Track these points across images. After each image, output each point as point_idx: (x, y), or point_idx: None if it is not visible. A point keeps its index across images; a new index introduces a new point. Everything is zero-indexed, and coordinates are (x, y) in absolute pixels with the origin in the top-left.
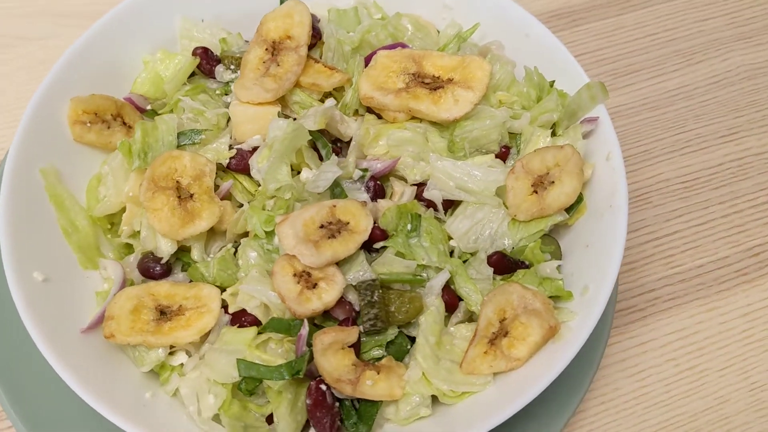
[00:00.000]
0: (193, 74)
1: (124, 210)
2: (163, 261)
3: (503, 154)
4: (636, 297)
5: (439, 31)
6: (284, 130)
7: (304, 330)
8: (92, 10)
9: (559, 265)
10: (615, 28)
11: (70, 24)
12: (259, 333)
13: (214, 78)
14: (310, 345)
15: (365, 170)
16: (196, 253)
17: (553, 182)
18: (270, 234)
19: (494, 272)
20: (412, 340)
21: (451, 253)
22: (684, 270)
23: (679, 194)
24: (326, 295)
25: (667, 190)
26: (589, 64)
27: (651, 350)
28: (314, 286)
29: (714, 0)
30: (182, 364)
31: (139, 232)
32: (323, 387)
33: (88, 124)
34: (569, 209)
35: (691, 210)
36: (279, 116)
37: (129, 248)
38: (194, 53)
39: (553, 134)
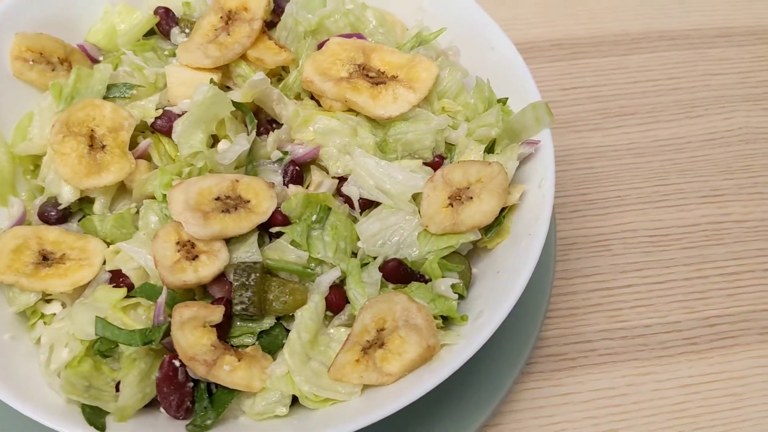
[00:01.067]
0: (153, 33)
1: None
2: (61, 207)
3: (436, 164)
4: (570, 345)
5: (408, 30)
6: (203, 95)
7: (162, 297)
8: None
9: (457, 285)
10: (617, 67)
11: None
12: (129, 296)
13: (169, 40)
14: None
15: (286, 153)
16: (98, 207)
17: (471, 198)
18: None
19: (388, 280)
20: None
21: (356, 254)
22: (628, 327)
23: (644, 248)
24: (203, 269)
25: (631, 241)
26: (581, 98)
27: (572, 403)
28: (195, 258)
29: (729, 56)
30: (54, 314)
31: None
32: (176, 363)
33: (31, 62)
34: (487, 230)
35: (652, 266)
36: (213, 83)
37: (43, 192)
38: (155, 12)
39: (491, 151)
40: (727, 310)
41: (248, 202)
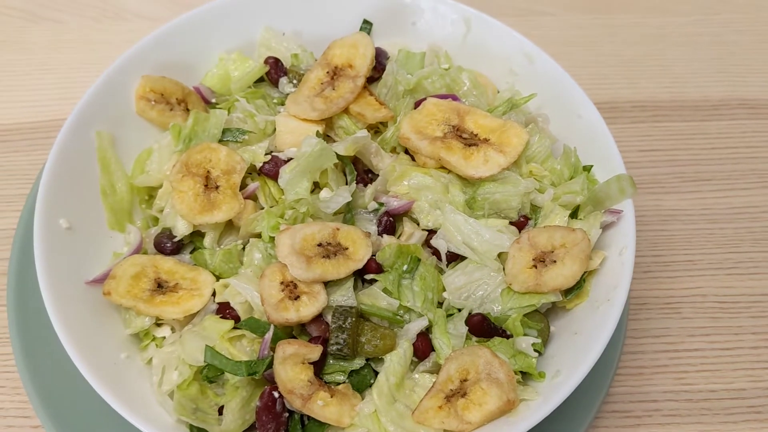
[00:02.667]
0: (262, 80)
1: (162, 186)
2: (176, 239)
3: (521, 224)
4: (635, 403)
5: (498, 93)
6: (312, 147)
7: (269, 334)
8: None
9: (537, 343)
10: (696, 132)
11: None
12: (236, 328)
13: (277, 88)
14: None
15: (381, 204)
16: (207, 241)
17: (555, 261)
18: (273, 240)
19: (472, 333)
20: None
21: (441, 305)
22: (693, 390)
23: (712, 313)
24: (304, 309)
25: (700, 306)
26: (659, 161)
27: None
28: (297, 298)
29: None
30: (164, 337)
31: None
32: (275, 394)
33: (153, 102)
34: (567, 292)
35: (720, 332)
36: (317, 135)
37: (157, 222)
38: (266, 61)
39: (574, 216)
40: None
41: (346, 249)
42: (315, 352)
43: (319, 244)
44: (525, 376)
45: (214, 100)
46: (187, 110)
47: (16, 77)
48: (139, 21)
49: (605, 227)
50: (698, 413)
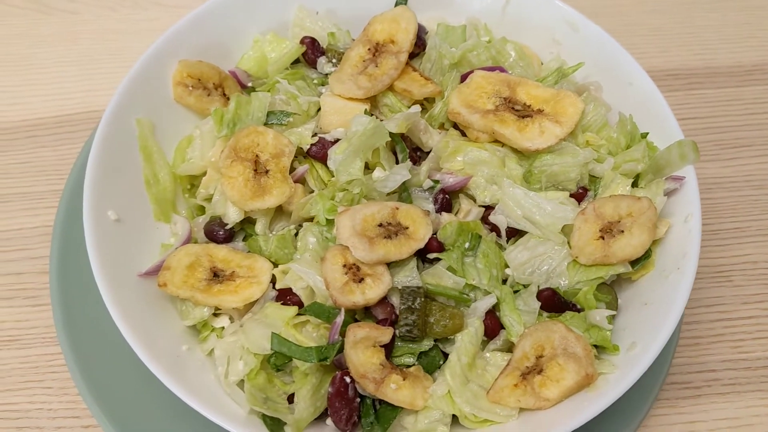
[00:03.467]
0: (297, 61)
1: (205, 173)
2: (228, 227)
3: (579, 195)
4: (694, 374)
5: (542, 64)
6: (364, 126)
7: (340, 318)
8: None
9: (611, 316)
10: (732, 98)
11: None
12: (299, 314)
13: (316, 68)
14: (344, 335)
15: (437, 182)
16: (259, 227)
17: (622, 231)
18: (331, 222)
19: (542, 308)
20: (446, 356)
21: (505, 281)
22: (751, 358)
23: (764, 279)
24: (370, 291)
25: (752, 273)
26: (697, 129)
27: None
28: (360, 280)
29: None
30: (223, 327)
31: (213, 196)
32: (347, 379)
33: (190, 88)
34: (634, 263)
35: None
36: (365, 113)
37: (202, 210)
38: (302, 42)
39: (635, 185)
40: None
41: (407, 228)
42: (386, 334)
43: (380, 225)
44: (598, 349)
45: (250, 84)
46: (224, 95)
47: (35, 71)
48: (158, 9)
49: (668, 194)
50: (758, 381)
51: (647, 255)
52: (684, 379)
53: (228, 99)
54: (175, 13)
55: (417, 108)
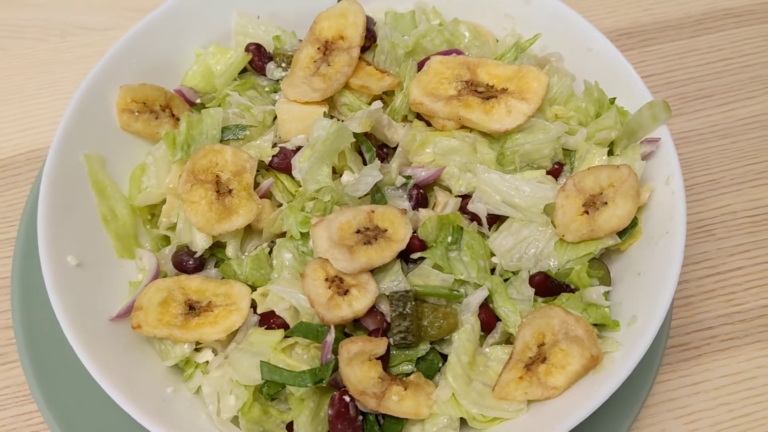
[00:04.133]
0: (245, 71)
1: (165, 201)
2: (197, 255)
3: (555, 171)
4: (691, 334)
5: (498, 41)
6: (327, 130)
7: (330, 337)
8: (158, 3)
9: (607, 292)
10: (687, 50)
11: (137, 17)
12: (286, 336)
13: (265, 75)
14: (336, 353)
15: (409, 177)
16: (230, 250)
17: (605, 203)
18: (305, 235)
19: (536, 294)
20: (444, 357)
21: (493, 271)
22: (745, 309)
23: (746, 228)
24: (357, 302)
25: (732, 224)
26: (658, 86)
27: (703, 392)
28: (345, 292)
29: None
30: (207, 362)
31: (176, 224)
32: (347, 398)
33: (136, 113)
34: (622, 233)
35: (759, 246)
36: (324, 116)
37: (166, 240)
38: (247, 49)
39: (610, 153)
40: None
41: (386, 231)
42: (381, 345)
43: (357, 231)
44: (599, 328)
45: (198, 101)
46: (173, 116)
47: None
48: (89, 34)
49: (645, 158)
50: (755, 332)
51: (634, 223)
52: (682, 341)
53: (178, 120)
54: (107, 36)
55: (378, 104)
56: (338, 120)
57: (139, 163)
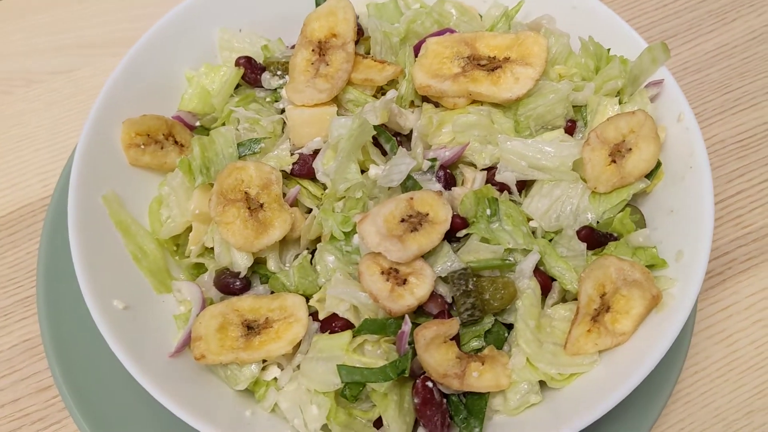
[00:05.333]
0: (238, 85)
1: (189, 230)
2: (242, 275)
3: (570, 128)
4: (711, 261)
5: (481, 16)
6: (349, 128)
7: (407, 326)
8: (116, 37)
9: (647, 234)
10: None
11: (97, 53)
12: (354, 336)
13: (261, 86)
14: (411, 342)
15: (434, 160)
16: (272, 264)
17: (630, 149)
18: (348, 235)
19: (588, 248)
20: (508, 327)
21: (533, 234)
22: (755, 229)
23: (737, 154)
24: (418, 289)
25: (723, 151)
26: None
27: (736, 314)
28: (404, 282)
29: None
30: (276, 379)
31: (208, 249)
32: (429, 384)
33: (142, 146)
34: (649, 175)
35: (752, 168)
36: (338, 115)
37: (198, 268)
38: (237, 63)
39: (619, 102)
40: None
41: (427, 215)
42: (454, 326)
43: (402, 220)
44: (649, 269)
45: (198, 123)
46: (177, 143)
47: None
48: (54, 78)
49: (652, 100)
50: (766, 248)
51: (657, 164)
52: (706, 270)
53: (183, 147)
54: (74, 77)
55: (393, 92)
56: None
57: (155, 196)
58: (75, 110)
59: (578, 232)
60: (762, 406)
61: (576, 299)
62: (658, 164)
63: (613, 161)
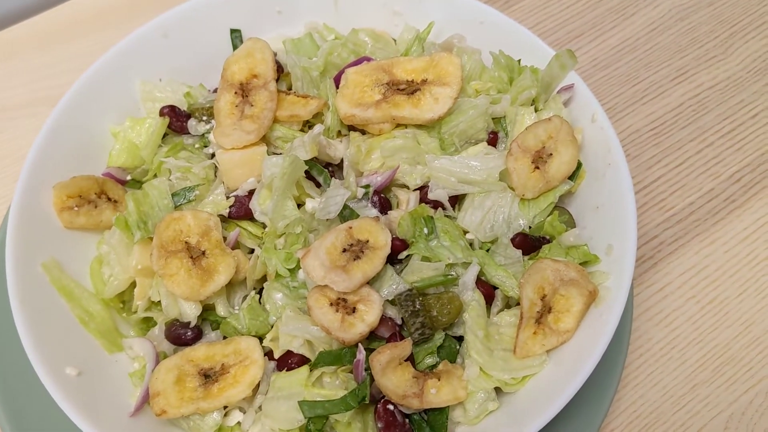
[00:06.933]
0: (165, 135)
1: (133, 286)
2: (192, 324)
3: (492, 140)
4: (641, 247)
5: (395, 40)
6: (281, 166)
7: (361, 354)
8: (33, 98)
9: (576, 234)
10: (546, 0)
11: (15, 116)
12: (311, 370)
13: (188, 133)
14: (367, 369)
15: (367, 186)
16: (221, 309)
17: (551, 154)
18: (293, 271)
19: (523, 254)
20: (458, 339)
21: (471, 246)
22: (677, 211)
23: (652, 141)
24: (368, 316)
25: (639, 140)
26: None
27: (670, 293)
28: (353, 310)
29: None
30: (239, 423)
31: (155, 303)
32: (390, 407)
33: (76, 208)
34: (571, 176)
35: (668, 153)
36: (268, 154)
37: (147, 322)
38: (162, 113)
39: (535, 110)
40: (746, 161)
41: (368, 241)
42: (407, 347)
43: (344, 250)
44: (582, 266)
45: (129, 177)
46: (110, 200)
47: None
48: None
49: (565, 105)
50: (693, 227)
51: (578, 165)
52: (638, 255)
53: (116, 203)
54: (3, 148)
55: (320, 126)
56: (284, 153)
57: (95, 256)
58: (1, 176)
59: (513, 240)
60: (704, 379)
61: (519, 304)
62: (579, 165)
63: (537, 167)
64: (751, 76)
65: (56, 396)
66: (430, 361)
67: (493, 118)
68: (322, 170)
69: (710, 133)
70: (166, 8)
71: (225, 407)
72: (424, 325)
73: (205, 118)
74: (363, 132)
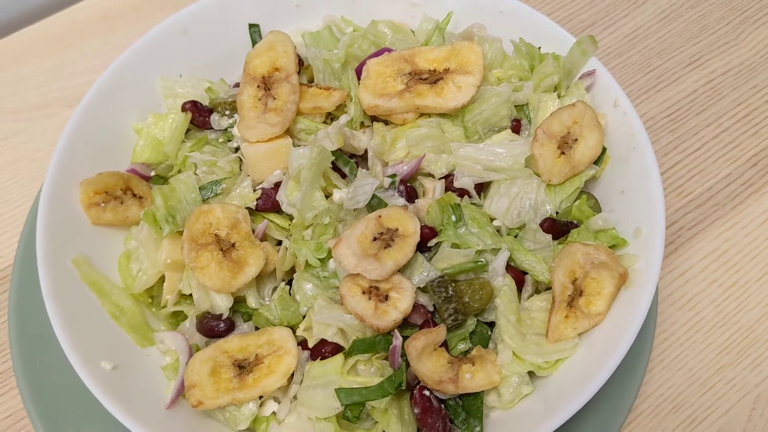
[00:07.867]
0: (187, 130)
1: (161, 280)
2: (224, 316)
3: (516, 127)
4: None
5: (413, 31)
6: (309, 158)
7: (397, 341)
8: (46, 99)
9: (605, 217)
10: None
11: (28, 117)
12: (346, 358)
13: (211, 128)
14: (403, 355)
15: (393, 176)
16: (252, 300)
17: (576, 140)
18: (323, 261)
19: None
20: (489, 325)
21: (499, 233)
22: (696, 196)
23: (668, 128)
24: (401, 303)
25: (655, 127)
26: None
27: (692, 278)
28: (386, 298)
29: None
30: (274, 413)
31: (184, 296)
32: (426, 392)
33: (102, 205)
34: (596, 161)
35: (684, 139)
36: (294, 146)
37: (176, 316)
38: (184, 109)
39: (558, 97)
40: (762, 144)
41: (397, 230)
42: (441, 333)
43: (374, 239)
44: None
45: (153, 173)
46: (135, 196)
47: None
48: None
49: (588, 90)
50: (711, 212)
51: (603, 149)
52: None
53: (141, 199)
54: (7, 145)
55: (345, 117)
56: (311, 145)
57: (123, 252)
58: (19, 177)
59: (541, 225)
60: (730, 361)
61: (549, 289)
62: (604, 150)
63: (562, 153)
64: (764, 61)
65: (94, 390)
66: (463, 346)
67: (515, 106)
68: (348, 161)
69: (726, 119)
70: (173, 9)
71: (260, 397)
72: (457, 310)
73: (227, 112)
74: (386, 122)
